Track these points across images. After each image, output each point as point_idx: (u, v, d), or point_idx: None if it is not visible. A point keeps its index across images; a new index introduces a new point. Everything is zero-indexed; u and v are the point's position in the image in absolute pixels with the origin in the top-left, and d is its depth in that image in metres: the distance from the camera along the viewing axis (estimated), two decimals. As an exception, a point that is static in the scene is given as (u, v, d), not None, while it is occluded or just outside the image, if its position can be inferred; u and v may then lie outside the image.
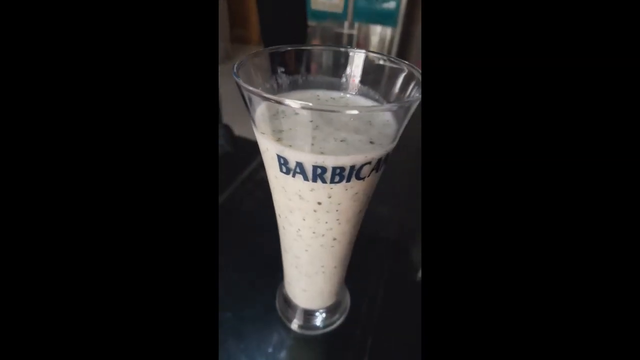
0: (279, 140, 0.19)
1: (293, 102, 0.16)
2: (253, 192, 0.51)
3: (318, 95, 0.25)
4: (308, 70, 0.24)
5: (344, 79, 0.25)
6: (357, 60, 0.24)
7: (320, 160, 0.18)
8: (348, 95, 0.25)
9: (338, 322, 0.34)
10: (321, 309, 0.33)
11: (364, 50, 0.24)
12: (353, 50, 0.24)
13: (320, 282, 0.29)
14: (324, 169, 0.18)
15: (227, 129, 0.66)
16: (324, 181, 0.19)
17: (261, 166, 0.55)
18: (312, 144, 0.19)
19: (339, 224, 0.23)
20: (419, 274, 0.39)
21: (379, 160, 0.19)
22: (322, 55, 0.24)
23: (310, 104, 0.15)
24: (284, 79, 0.24)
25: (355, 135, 0.20)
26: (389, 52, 1.98)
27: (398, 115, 0.20)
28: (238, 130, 0.66)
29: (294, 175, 0.19)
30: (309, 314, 0.33)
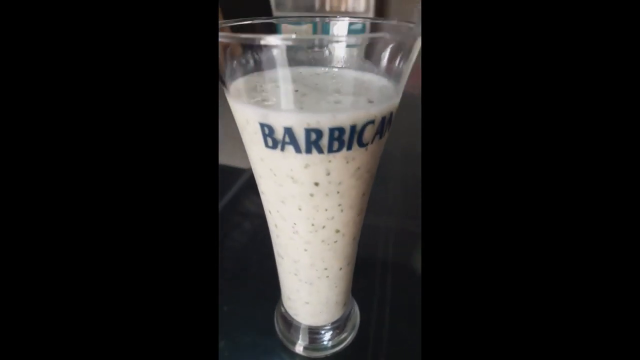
0: (261, 103, 0.15)
1: (268, 38, 0.13)
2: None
3: (300, 72, 0.22)
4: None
5: (327, 52, 0.22)
6: (337, 30, 0.21)
7: (315, 120, 0.15)
8: (335, 70, 0.22)
9: (348, 340, 0.29)
10: (328, 324, 0.28)
11: (345, 18, 0.21)
12: (330, 17, 0.21)
13: (325, 290, 0.25)
14: (319, 133, 0.15)
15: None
16: (320, 151, 0.16)
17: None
18: (302, 108, 0.15)
19: (342, 211, 0.19)
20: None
21: (383, 120, 0.16)
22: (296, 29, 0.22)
23: (293, 36, 0.12)
24: (257, 56, 0.21)
25: (351, 97, 0.17)
26: (367, 10, 1.91)
27: (392, 72, 0.17)
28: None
29: (282, 149, 0.16)
30: (314, 333, 0.29)
